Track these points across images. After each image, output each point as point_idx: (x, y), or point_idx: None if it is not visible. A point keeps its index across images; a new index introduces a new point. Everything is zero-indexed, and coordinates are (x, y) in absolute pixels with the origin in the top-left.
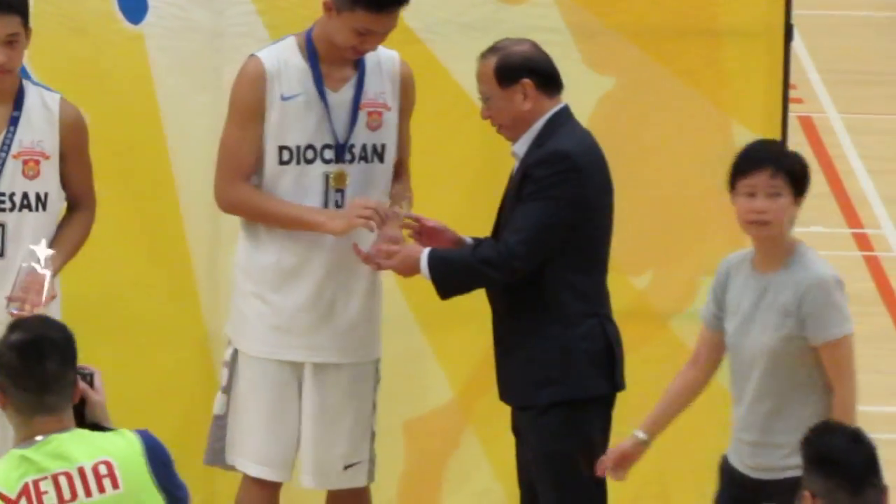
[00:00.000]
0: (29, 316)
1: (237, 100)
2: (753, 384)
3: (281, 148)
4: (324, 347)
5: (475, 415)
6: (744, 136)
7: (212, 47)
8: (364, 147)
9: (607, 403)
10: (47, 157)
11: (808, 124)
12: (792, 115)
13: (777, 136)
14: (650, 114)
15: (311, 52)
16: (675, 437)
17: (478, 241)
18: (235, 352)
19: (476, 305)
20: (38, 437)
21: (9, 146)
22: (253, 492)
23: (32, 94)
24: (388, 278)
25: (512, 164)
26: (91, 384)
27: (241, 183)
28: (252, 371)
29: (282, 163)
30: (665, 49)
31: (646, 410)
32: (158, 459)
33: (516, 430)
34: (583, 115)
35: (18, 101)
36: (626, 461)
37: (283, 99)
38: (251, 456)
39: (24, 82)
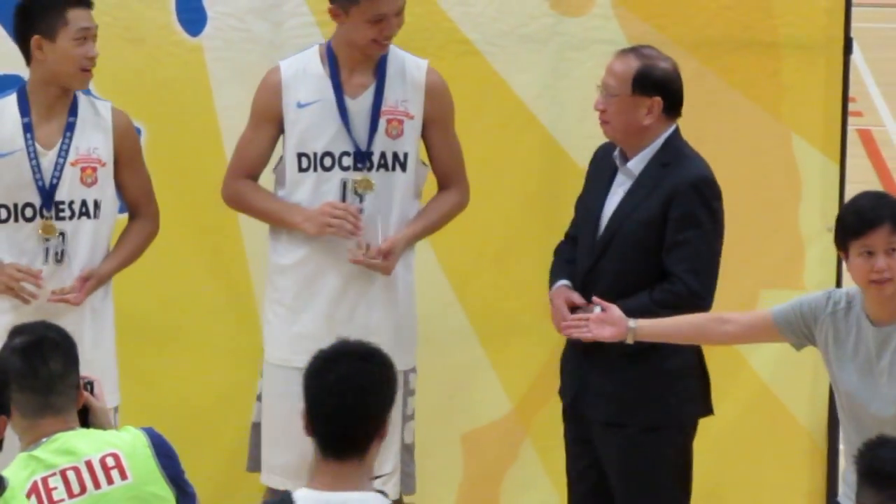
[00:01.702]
0: (30, 322)
1: (254, 103)
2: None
3: (300, 155)
4: None
5: (533, 427)
6: (803, 149)
7: (270, 59)
8: (384, 155)
9: (696, 427)
10: (103, 164)
11: (867, 137)
12: (851, 128)
13: (837, 148)
14: (709, 126)
15: (331, 59)
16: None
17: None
18: (264, 362)
19: (534, 317)
20: (44, 438)
21: (66, 153)
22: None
23: (84, 102)
24: (447, 290)
25: (573, 175)
26: (91, 392)
27: (241, 179)
28: (274, 379)
29: (301, 170)
30: (724, 61)
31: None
32: (165, 453)
33: (583, 440)
34: None
35: (73, 109)
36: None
37: (300, 106)
38: (271, 466)
39: (76, 92)
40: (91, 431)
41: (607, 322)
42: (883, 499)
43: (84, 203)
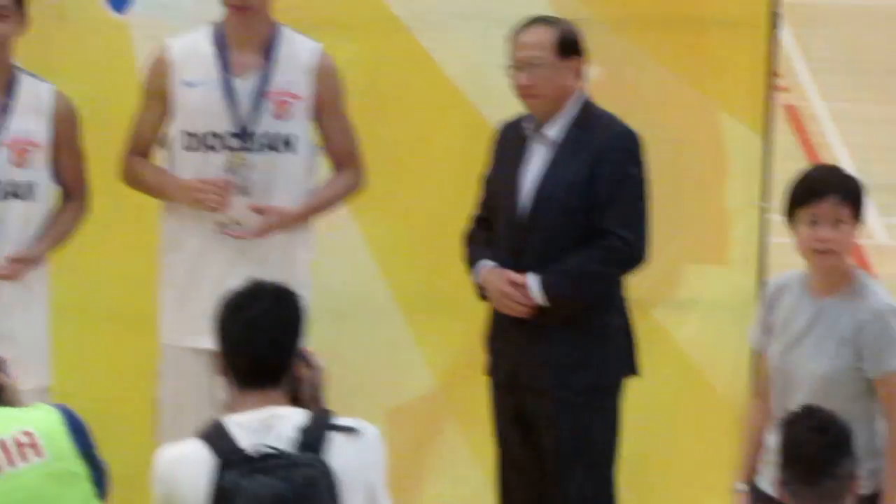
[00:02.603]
0: None
1: (144, 82)
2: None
3: (185, 133)
4: None
5: (457, 403)
6: (729, 124)
7: None
8: (271, 136)
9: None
10: (38, 147)
11: (793, 113)
12: (777, 104)
13: (762, 123)
14: (636, 103)
15: (220, 38)
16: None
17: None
18: (162, 345)
19: (459, 294)
20: None
21: None
22: None
23: (24, 83)
24: (372, 266)
25: None
26: (2, 370)
27: (133, 156)
28: (165, 359)
29: (186, 148)
30: (651, 38)
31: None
32: (78, 430)
33: (519, 416)
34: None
35: (10, 90)
36: None
37: (187, 85)
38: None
39: (16, 71)
40: (1, 410)
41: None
42: (790, 474)
43: (15, 184)
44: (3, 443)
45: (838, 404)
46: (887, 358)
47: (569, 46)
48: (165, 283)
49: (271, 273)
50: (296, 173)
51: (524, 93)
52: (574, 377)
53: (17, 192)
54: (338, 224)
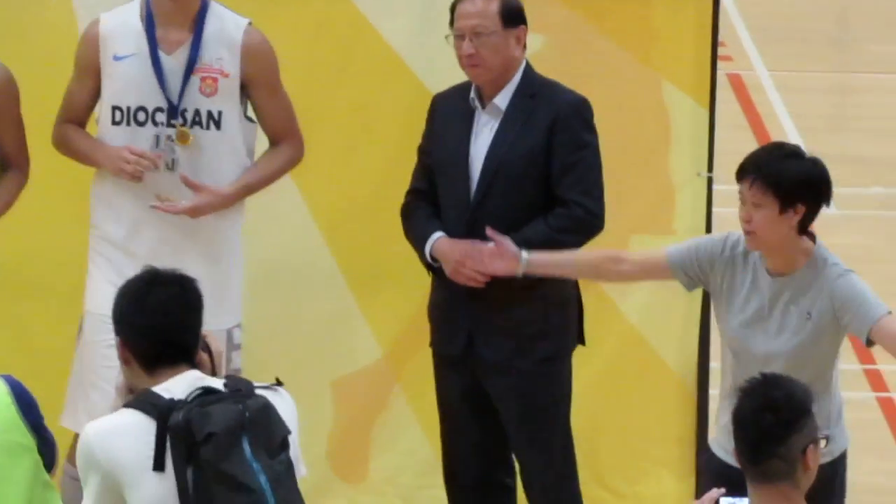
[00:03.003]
0: None
1: (75, 55)
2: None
3: (114, 108)
4: None
5: (404, 374)
6: (673, 95)
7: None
8: (198, 112)
9: None
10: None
11: (737, 82)
12: (721, 74)
13: (706, 93)
14: (579, 73)
15: (148, 13)
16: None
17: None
18: (84, 313)
19: (404, 265)
20: None
21: None
22: None
23: None
24: (317, 237)
25: None
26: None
27: (64, 124)
28: (89, 326)
29: (114, 123)
30: (594, 8)
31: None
32: (25, 401)
33: (472, 389)
34: None
35: None
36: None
37: (116, 59)
38: (78, 408)
39: None
40: None
41: (498, 256)
42: (736, 449)
43: None
44: None
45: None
46: (868, 310)
47: (512, 15)
48: (95, 252)
49: (201, 246)
50: (224, 151)
51: (469, 62)
52: (535, 347)
53: None
54: (283, 195)
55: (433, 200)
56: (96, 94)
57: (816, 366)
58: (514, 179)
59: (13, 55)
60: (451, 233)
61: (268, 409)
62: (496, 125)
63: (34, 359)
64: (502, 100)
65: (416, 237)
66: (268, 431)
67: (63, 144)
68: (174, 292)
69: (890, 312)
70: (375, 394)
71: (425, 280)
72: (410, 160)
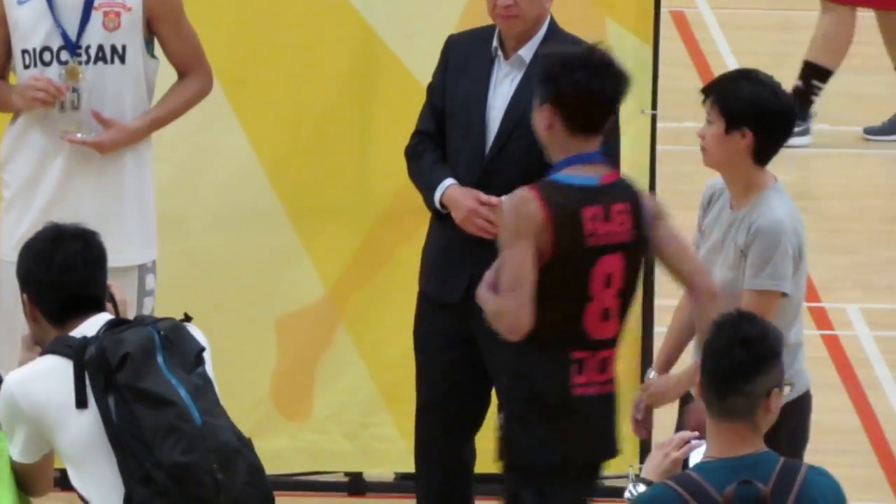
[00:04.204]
0: None
1: None
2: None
3: (23, 52)
4: None
5: (347, 312)
6: (616, 32)
7: None
8: (101, 48)
9: None
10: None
11: (680, 20)
12: (664, 10)
13: (650, 31)
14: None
15: None
16: None
17: None
18: None
19: (348, 202)
20: None
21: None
22: None
23: None
24: (260, 174)
25: (386, 59)
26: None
27: None
28: (8, 276)
29: (25, 67)
30: None
31: None
32: None
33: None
34: (453, 14)
35: None
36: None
37: (19, 3)
38: None
39: None
40: None
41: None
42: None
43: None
44: None
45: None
46: (756, 274)
47: None
48: (4, 198)
49: (107, 181)
50: (127, 85)
51: (507, 13)
52: None
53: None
54: (226, 132)
55: (440, 143)
56: (7, 42)
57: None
58: (532, 133)
59: None
60: (461, 182)
61: (178, 327)
62: (518, 77)
63: None
64: (527, 52)
65: (425, 182)
66: (181, 347)
67: None
68: (79, 247)
69: (764, 292)
70: (319, 332)
71: (368, 218)
72: (353, 97)
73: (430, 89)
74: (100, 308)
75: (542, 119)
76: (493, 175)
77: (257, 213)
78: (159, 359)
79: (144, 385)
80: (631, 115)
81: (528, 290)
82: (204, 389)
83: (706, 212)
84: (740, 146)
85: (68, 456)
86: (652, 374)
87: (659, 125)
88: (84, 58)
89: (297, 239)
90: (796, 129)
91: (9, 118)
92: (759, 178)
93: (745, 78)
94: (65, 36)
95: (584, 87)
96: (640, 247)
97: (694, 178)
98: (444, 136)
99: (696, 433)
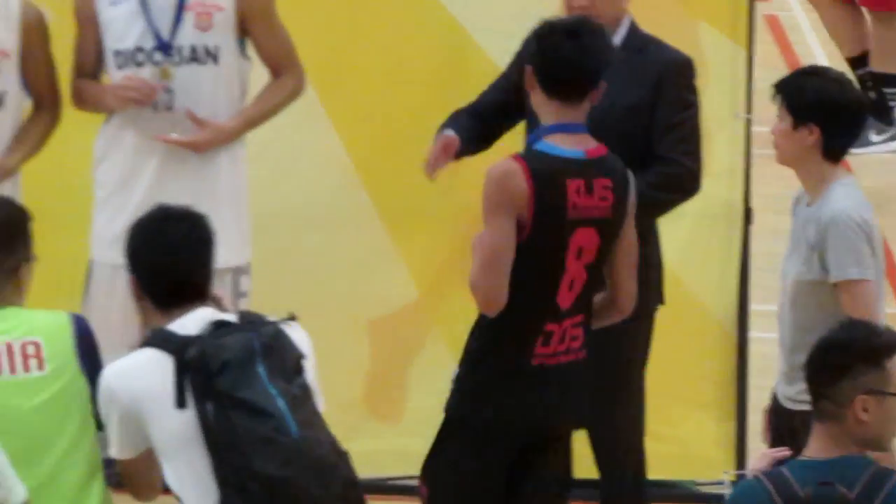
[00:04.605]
0: None
1: (74, 9)
2: (785, 315)
3: (115, 53)
4: None
5: (441, 315)
6: (711, 35)
7: None
8: (194, 49)
9: None
10: (7, 56)
11: (774, 23)
12: (759, 14)
13: (744, 34)
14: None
15: None
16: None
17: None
18: (90, 261)
19: (440, 203)
20: None
21: None
22: None
23: None
24: (352, 176)
25: (477, 58)
26: None
27: (76, 79)
28: (92, 275)
29: (118, 68)
30: None
31: None
32: (87, 344)
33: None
34: (547, 14)
35: None
36: None
37: (112, 4)
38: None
39: None
40: (19, 312)
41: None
42: None
43: None
44: (9, 346)
45: (809, 312)
46: (845, 265)
47: None
48: (97, 198)
49: (202, 182)
50: (220, 85)
51: (583, 13)
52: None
53: None
54: (319, 133)
55: (477, 113)
56: (100, 43)
57: (821, 300)
58: (616, 132)
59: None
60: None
61: (280, 335)
62: None
63: (60, 296)
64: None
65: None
66: (282, 356)
67: (77, 98)
68: (186, 229)
69: (854, 281)
70: (412, 334)
71: (461, 219)
72: (446, 97)
73: (504, 74)
74: (203, 298)
75: (526, 80)
76: None
77: (350, 215)
78: (259, 368)
79: (243, 395)
80: (725, 118)
81: (506, 266)
82: (302, 400)
83: (794, 216)
84: (808, 142)
85: (162, 450)
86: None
87: (753, 129)
88: (177, 58)
89: (389, 241)
90: (884, 136)
91: (103, 118)
92: (830, 174)
93: (813, 74)
94: (158, 36)
95: (559, 51)
96: (617, 224)
97: (789, 182)
98: (486, 112)
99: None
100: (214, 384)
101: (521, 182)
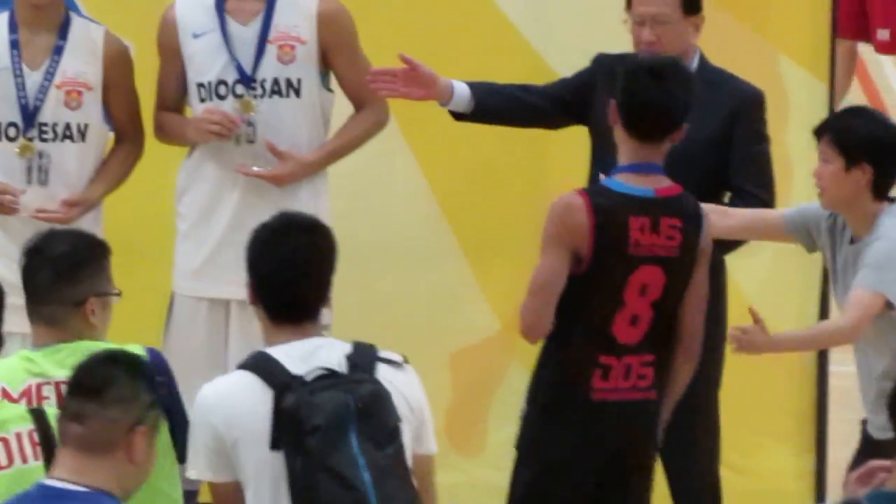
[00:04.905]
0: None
1: (157, 43)
2: (856, 347)
3: (198, 85)
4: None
5: (522, 348)
6: (790, 69)
7: None
8: (276, 81)
9: None
10: (90, 89)
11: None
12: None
13: (825, 67)
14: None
15: None
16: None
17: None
18: (172, 293)
19: (522, 236)
20: (47, 344)
21: (52, 75)
22: None
23: (77, 26)
24: (434, 208)
25: None
26: None
27: (159, 112)
28: (174, 307)
29: (200, 100)
30: None
31: None
32: (159, 377)
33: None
34: (626, 47)
35: (63, 32)
36: None
37: (195, 37)
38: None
39: (71, 14)
40: (93, 346)
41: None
42: None
43: (68, 126)
44: None
45: (874, 339)
46: (867, 275)
47: (693, 3)
48: (178, 230)
49: None
50: (302, 118)
51: (648, 50)
52: (706, 334)
53: (71, 135)
54: (401, 166)
55: (522, 87)
56: (183, 76)
57: (883, 327)
58: (691, 166)
59: (135, 26)
60: None
61: (379, 398)
62: None
63: (149, 328)
64: None
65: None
66: (377, 421)
67: (159, 131)
68: (304, 242)
69: (871, 292)
70: (493, 367)
71: None
72: (526, 131)
73: (564, 80)
74: (314, 316)
75: (610, 114)
76: None
77: (431, 247)
78: (351, 434)
79: (332, 461)
80: (804, 152)
81: (552, 297)
82: (391, 470)
83: (821, 233)
84: (861, 182)
85: (246, 477)
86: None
87: None
88: (259, 91)
89: (471, 273)
90: None
91: (185, 151)
92: (877, 209)
93: (858, 115)
94: (240, 69)
95: (645, 94)
96: (687, 265)
97: None
98: (532, 90)
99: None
100: (306, 442)
101: (581, 216)
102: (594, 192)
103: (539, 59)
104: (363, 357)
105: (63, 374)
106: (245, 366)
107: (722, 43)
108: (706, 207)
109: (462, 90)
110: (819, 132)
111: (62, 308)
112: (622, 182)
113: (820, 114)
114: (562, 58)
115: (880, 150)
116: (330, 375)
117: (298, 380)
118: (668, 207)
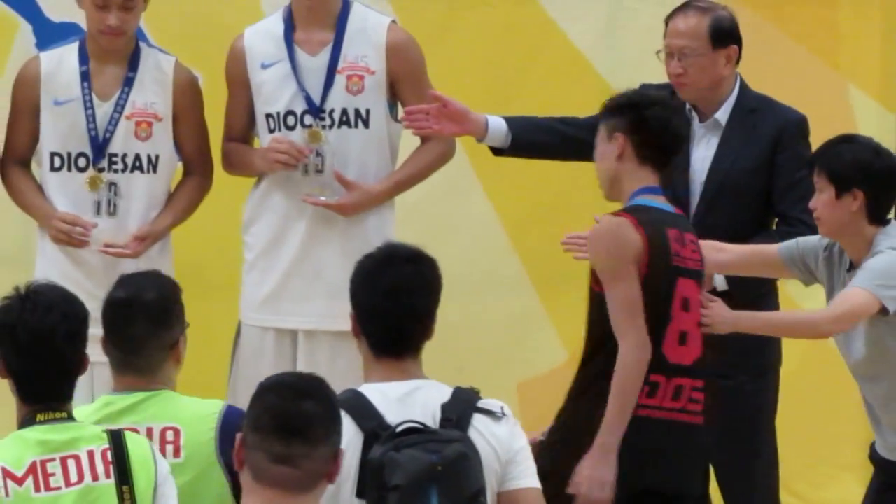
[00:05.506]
0: (138, 273)
1: (225, 73)
2: (861, 369)
3: (267, 116)
4: (314, 314)
5: None
6: (860, 99)
7: None
8: (345, 112)
9: None
10: (160, 119)
11: None
12: None
13: (894, 98)
14: (766, 77)
15: (288, 18)
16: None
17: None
18: (239, 323)
19: (589, 267)
20: (124, 391)
21: (122, 107)
22: None
23: (147, 57)
24: (503, 239)
25: None
26: None
27: (226, 143)
28: (241, 337)
29: (269, 131)
30: (781, 11)
31: None
32: (231, 437)
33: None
34: None
35: (133, 63)
36: None
37: (263, 67)
38: None
39: (140, 44)
40: (174, 398)
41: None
42: None
43: (138, 157)
44: (150, 431)
45: (882, 358)
46: (865, 278)
47: (722, 35)
48: (246, 260)
49: (351, 244)
50: (370, 148)
51: (676, 81)
52: (748, 360)
53: (140, 166)
54: (470, 197)
55: (562, 120)
56: (251, 107)
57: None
58: (737, 193)
59: (204, 56)
60: None
61: (462, 461)
62: (714, 139)
63: (209, 360)
64: (722, 115)
65: None
66: (459, 486)
67: (226, 161)
68: (408, 273)
69: (866, 293)
70: (561, 397)
71: None
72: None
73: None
74: (416, 349)
75: (612, 149)
76: (701, 236)
77: (500, 277)
78: (432, 497)
79: None
80: None
81: (643, 316)
82: None
83: (819, 262)
84: (853, 208)
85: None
86: None
87: None
88: (328, 121)
89: (539, 303)
90: None
91: (253, 182)
92: (874, 234)
93: (846, 141)
94: (308, 100)
95: (661, 120)
96: (705, 281)
97: None
98: (575, 130)
99: None
100: (387, 498)
101: (632, 233)
102: (632, 210)
103: (609, 89)
104: (459, 408)
105: (130, 420)
106: (341, 404)
107: (792, 73)
108: (706, 243)
109: (497, 125)
110: (811, 163)
111: (159, 355)
112: (649, 200)
113: (889, 145)
114: (629, 85)
115: (869, 175)
116: (420, 430)
117: (389, 430)
118: (686, 224)
